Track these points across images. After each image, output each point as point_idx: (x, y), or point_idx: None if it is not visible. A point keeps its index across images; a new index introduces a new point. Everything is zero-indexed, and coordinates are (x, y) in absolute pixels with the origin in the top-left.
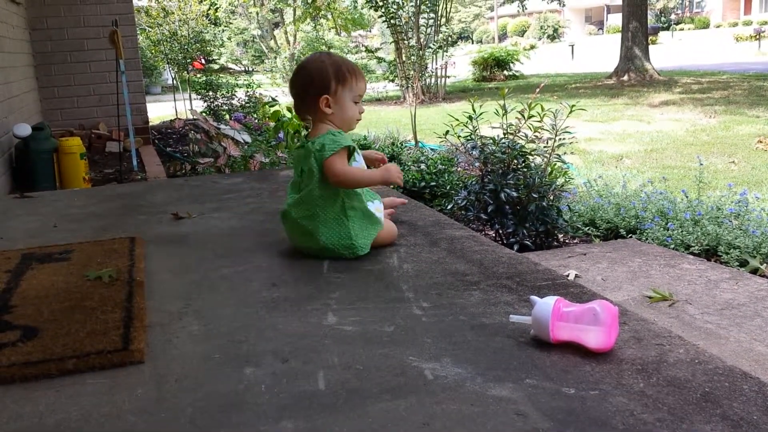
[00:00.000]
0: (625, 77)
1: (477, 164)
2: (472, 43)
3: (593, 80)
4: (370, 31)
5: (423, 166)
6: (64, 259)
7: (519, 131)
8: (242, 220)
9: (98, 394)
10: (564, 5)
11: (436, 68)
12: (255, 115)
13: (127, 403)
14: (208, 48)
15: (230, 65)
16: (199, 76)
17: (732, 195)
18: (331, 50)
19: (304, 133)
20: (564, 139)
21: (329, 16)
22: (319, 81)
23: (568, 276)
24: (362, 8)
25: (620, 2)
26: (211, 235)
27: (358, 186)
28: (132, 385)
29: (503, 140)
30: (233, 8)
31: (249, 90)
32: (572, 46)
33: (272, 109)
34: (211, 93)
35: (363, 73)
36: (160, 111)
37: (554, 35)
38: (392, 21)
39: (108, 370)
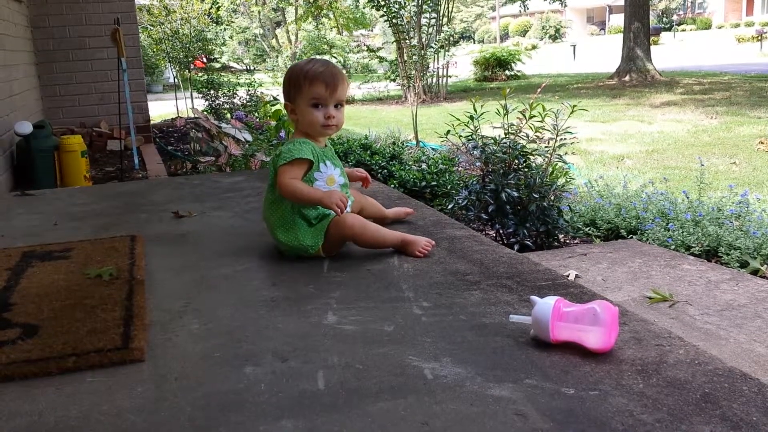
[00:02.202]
0: (627, 78)
1: (478, 164)
2: (474, 42)
3: (595, 80)
4: (371, 31)
5: (424, 166)
6: (64, 257)
7: (520, 131)
8: (243, 219)
9: (98, 393)
10: (566, 5)
11: (438, 68)
12: (256, 114)
13: (126, 401)
14: (209, 47)
15: (232, 64)
16: (200, 74)
17: (733, 196)
18: (333, 49)
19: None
20: (565, 139)
21: (331, 16)
22: (285, 89)
23: (568, 276)
24: (364, 7)
25: (622, 3)
26: (211, 233)
27: (298, 201)
28: (132, 384)
29: (504, 140)
30: (235, 7)
31: (250, 89)
32: (574, 46)
33: (273, 108)
34: (212, 92)
35: (328, 76)
36: (161, 109)
37: (556, 35)
38: (394, 20)
39: (108, 369)
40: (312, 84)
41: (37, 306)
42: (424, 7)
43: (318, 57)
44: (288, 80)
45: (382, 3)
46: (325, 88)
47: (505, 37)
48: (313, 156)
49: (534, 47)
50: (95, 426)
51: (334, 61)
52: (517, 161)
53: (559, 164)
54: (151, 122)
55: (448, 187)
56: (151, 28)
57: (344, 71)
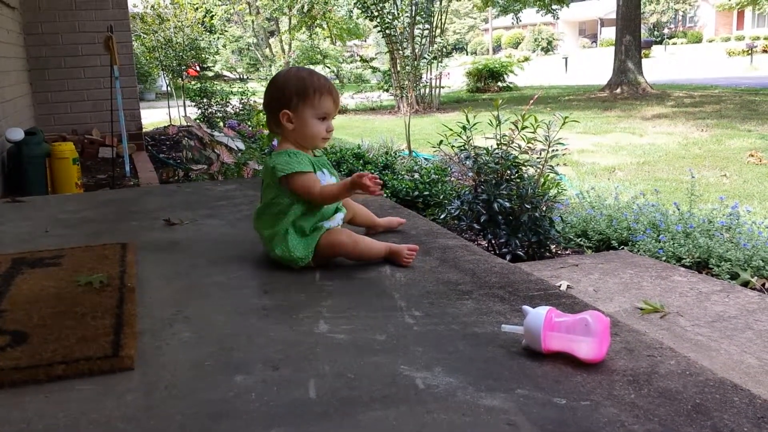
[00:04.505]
0: (618, 90)
1: (470, 174)
2: (467, 54)
3: (586, 93)
4: (365, 41)
5: (416, 176)
6: (55, 265)
7: (512, 142)
8: (235, 227)
9: (87, 401)
10: (558, 18)
11: (431, 79)
12: (249, 123)
13: (116, 410)
14: (203, 55)
15: (225, 73)
16: (193, 83)
17: (723, 208)
18: (326, 59)
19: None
20: (557, 150)
21: (324, 26)
22: (282, 95)
23: (560, 286)
24: (358, 18)
25: (614, 16)
26: (203, 241)
27: (336, 200)
28: (121, 392)
29: (497, 151)
30: (229, 16)
31: (243, 98)
32: (566, 58)
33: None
34: (205, 100)
35: (334, 91)
36: (153, 117)
37: (548, 48)
38: (387, 31)
39: (97, 377)
40: (323, 98)
41: (27, 313)
42: (418, 18)
43: (307, 67)
44: (293, 89)
45: (376, 14)
46: (332, 103)
47: (497, 48)
48: (312, 166)
49: (526, 59)
50: None
51: (327, 71)
52: (509, 172)
53: (551, 175)
54: (144, 130)
55: (441, 197)
56: (145, 36)
57: (336, 83)
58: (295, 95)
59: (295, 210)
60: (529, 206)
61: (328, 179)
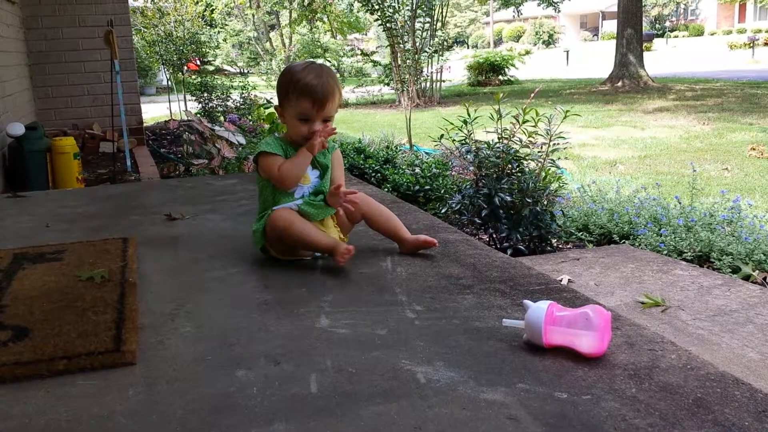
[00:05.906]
0: (620, 83)
1: (471, 168)
2: (468, 47)
3: (588, 86)
4: (365, 35)
5: (417, 170)
6: (56, 260)
7: (513, 136)
8: (236, 222)
9: (89, 396)
10: (559, 11)
11: (432, 72)
12: (250, 117)
13: (117, 404)
14: (203, 49)
15: (225, 67)
16: (194, 77)
17: (725, 202)
18: (327, 53)
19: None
20: (558, 144)
21: (325, 19)
22: (277, 91)
23: (561, 281)
24: (358, 12)
25: (615, 9)
26: (204, 236)
27: (296, 170)
28: (123, 387)
29: (498, 145)
30: (229, 10)
31: (244, 92)
32: (567, 51)
33: (267, 111)
34: (205, 94)
35: (321, 93)
36: (154, 112)
37: (549, 41)
38: (388, 25)
39: (99, 372)
40: (300, 98)
41: (28, 308)
42: (418, 11)
43: (315, 62)
44: (279, 84)
45: (377, 7)
46: (311, 105)
47: (498, 42)
48: (283, 151)
49: (527, 52)
50: (86, 429)
51: (327, 65)
52: (510, 166)
53: (552, 169)
54: (144, 124)
55: (442, 192)
56: (145, 30)
57: (338, 77)
58: (281, 92)
59: (267, 191)
60: (530, 200)
61: (309, 173)
